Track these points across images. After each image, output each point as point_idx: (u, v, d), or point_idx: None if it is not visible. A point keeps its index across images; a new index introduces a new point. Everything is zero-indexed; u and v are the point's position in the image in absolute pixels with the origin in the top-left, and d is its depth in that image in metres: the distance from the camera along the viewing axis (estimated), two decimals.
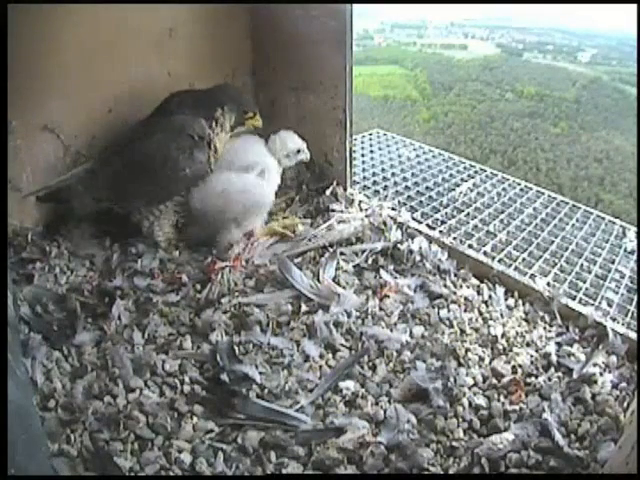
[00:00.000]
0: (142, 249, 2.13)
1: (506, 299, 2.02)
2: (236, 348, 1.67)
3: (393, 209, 2.45)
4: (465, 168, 3.19)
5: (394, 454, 1.41)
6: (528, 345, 1.80)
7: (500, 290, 2.03)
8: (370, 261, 2.14)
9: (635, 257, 2.41)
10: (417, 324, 1.87)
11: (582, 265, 2.30)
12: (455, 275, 2.11)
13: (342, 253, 2.16)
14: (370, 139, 3.65)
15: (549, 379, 1.66)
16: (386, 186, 2.85)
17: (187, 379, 1.59)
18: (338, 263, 2.09)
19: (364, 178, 2.95)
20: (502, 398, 1.60)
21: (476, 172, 3.14)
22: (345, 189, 2.57)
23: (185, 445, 1.40)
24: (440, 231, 2.38)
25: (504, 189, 2.95)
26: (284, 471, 1.36)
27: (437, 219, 2.52)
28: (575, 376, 1.66)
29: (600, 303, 2.03)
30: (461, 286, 2.06)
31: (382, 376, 1.65)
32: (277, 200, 2.40)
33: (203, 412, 1.50)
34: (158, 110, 2.15)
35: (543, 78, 26.46)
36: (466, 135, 20.77)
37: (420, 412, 1.52)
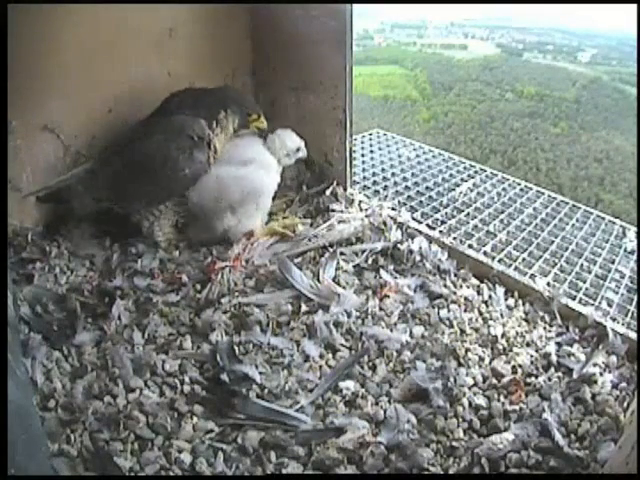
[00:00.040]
0: (142, 249, 2.13)
1: (506, 299, 2.01)
2: (236, 348, 1.67)
3: (393, 209, 2.45)
4: (465, 168, 3.19)
5: (394, 454, 1.41)
6: (528, 345, 1.80)
7: (500, 290, 2.03)
8: (370, 261, 2.14)
9: (635, 257, 2.41)
10: (417, 324, 1.86)
11: (582, 265, 2.30)
12: (455, 275, 2.11)
13: (342, 253, 2.15)
14: (370, 139, 3.65)
15: (549, 379, 1.66)
16: (386, 186, 2.85)
17: (187, 379, 1.59)
18: (338, 263, 2.09)
19: (364, 178, 2.95)
20: (502, 398, 1.60)
21: (476, 172, 3.14)
22: (345, 189, 2.57)
23: (185, 445, 1.40)
24: (440, 231, 2.38)
25: (504, 189, 2.95)
26: (284, 471, 1.36)
27: (437, 219, 2.52)
28: (575, 376, 1.66)
29: (600, 303, 2.03)
30: (461, 286, 2.06)
31: (382, 376, 1.65)
32: (277, 200, 2.41)
33: (203, 412, 1.50)
34: (159, 110, 2.15)
35: (543, 78, 26.47)
36: (466, 135, 20.77)
37: (420, 412, 1.52)
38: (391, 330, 1.80)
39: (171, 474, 1.34)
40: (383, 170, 3.07)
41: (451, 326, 1.86)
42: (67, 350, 1.68)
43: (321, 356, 1.71)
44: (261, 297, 1.92)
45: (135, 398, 1.51)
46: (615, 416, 1.52)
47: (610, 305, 2.04)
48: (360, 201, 2.50)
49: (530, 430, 1.45)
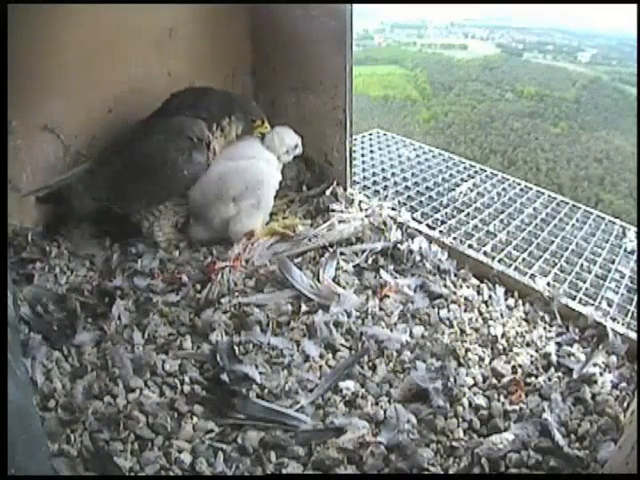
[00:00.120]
0: (142, 249, 2.13)
1: (506, 299, 2.01)
2: (236, 348, 1.67)
3: (393, 209, 2.45)
4: (465, 168, 3.19)
5: (394, 454, 1.41)
6: (528, 345, 1.80)
7: (500, 290, 2.03)
8: (370, 261, 2.14)
9: (635, 257, 2.41)
10: (417, 324, 1.86)
11: (582, 265, 2.30)
12: (455, 275, 2.11)
13: (342, 253, 2.15)
14: (370, 139, 3.65)
15: (549, 379, 1.66)
16: (386, 186, 2.85)
17: (187, 379, 1.59)
18: (338, 263, 2.09)
19: (364, 178, 2.95)
20: (502, 398, 1.60)
21: (476, 172, 3.14)
22: (345, 189, 2.57)
23: (185, 445, 1.40)
24: (440, 231, 2.38)
25: (504, 189, 2.94)
26: (284, 471, 1.36)
27: (437, 219, 2.52)
28: (575, 376, 1.66)
29: (600, 303, 2.03)
30: (461, 286, 2.06)
31: (382, 376, 1.65)
32: (277, 201, 2.41)
33: (203, 412, 1.50)
34: (159, 110, 2.16)
35: (543, 78, 26.48)
36: (466, 135, 20.78)
37: (420, 412, 1.52)
38: (391, 330, 1.80)
39: (171, 474, 1.34)
40: (383, 170, 3.07)
41: (451, 326, 1.86)
42: (67, 350, 1.68)
43: (321, 356, 1.71)
44: (261, 297, 1.92)
45: (135, 398, 1.51)
46: (615, 416, 1.52)
47: (610, 305, 2.04)
48: (360, 201, 2.50)
49: (530, 430, 1.45)
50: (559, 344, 1.81)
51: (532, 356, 1.75)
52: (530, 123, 21.86)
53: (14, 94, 1.66)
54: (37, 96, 2.03)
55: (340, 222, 2.32)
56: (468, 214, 2.61)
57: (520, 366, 1.69)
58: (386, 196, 2.67)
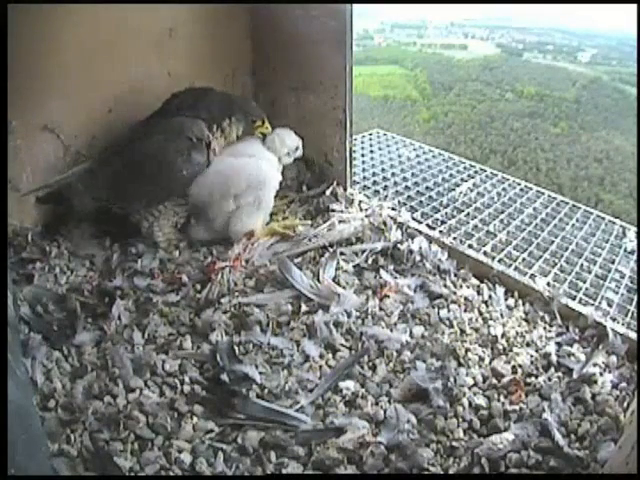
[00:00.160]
0: (142, 249, 2.13)
1: (506, 299, 2.01)
2: (236, 348, 1.67)
3: (393, 209, 2.45)
4: (465, 168, 3.19)
5: (394, 454, 1.41)
6: (528, 345, 1.80)
7: (500, 290, 2.03)
8: (370, 261, 2.14)
9: (635, 257, 2.41)
10: (417, 324, 1.86)
11: (582, 265, 2.30)
12: (455, 275, 2.11)
13: (342, 253, 2.15)
14: (370, 139, 3.65)
15: (549, 379, 1.66)
16: (386, 186, 2.85)
17: (187, 379, 1.59)
18: (338, 263, 2.09)
19: (364, 178, 2.95)
20: (502, 398, 1.60)
21: (476, 172, 3.14)
22: (345, 189, 2.57)
23: (185, 445, 1.40)
24: (440, 231, 2.38)
25: (504, 189, 2.94)
26: (284, 471, 1.36)
27: (437, 219, 2.52)
28: (575, 376, 1.66)
29: (600, 303, 2.03)
30: (461, 286, 2.06)
31: (382, 376, 1.65)
32: (277, 201, 2.41)
33: (203, 412, 1.50)
34: (159, 110, 2.16)
35: (543, 78, 26.48)
36: (466, 135, 20.79)
37: (420, 412, 1.52)
38: (391, 330, 1.80)
39: (171, 474, 1.34)
40: (383, 170, 3.07)
41: (451, 326, 1.86)
42: (67, 350, 1.68)
43: (321, 356, 1.71)
44: (261, 297, 1.92)
45: (135, 398, 1.51)
46: (615, 416, 1.52)
47: (610, 305, 2.04)
48: (360, 201, 2.50)
49: (530, 430, 1.45)
50: (559, 344, 1.81)
51: (532, 356, 1.75)
52: (530, 123, 21.86)
53: (14, 94, 1.66)
54: (37, 96, 2.03)
55: (340, 222, 2.32)
56: (468, 214, 2.61)
57: (520, 366, 1.69)
58: (386, 196, 2.67)
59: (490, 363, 1.72)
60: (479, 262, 2.15)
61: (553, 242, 2.44)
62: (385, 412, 1.51)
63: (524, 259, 2.27)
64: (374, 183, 2.89)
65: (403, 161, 3.24)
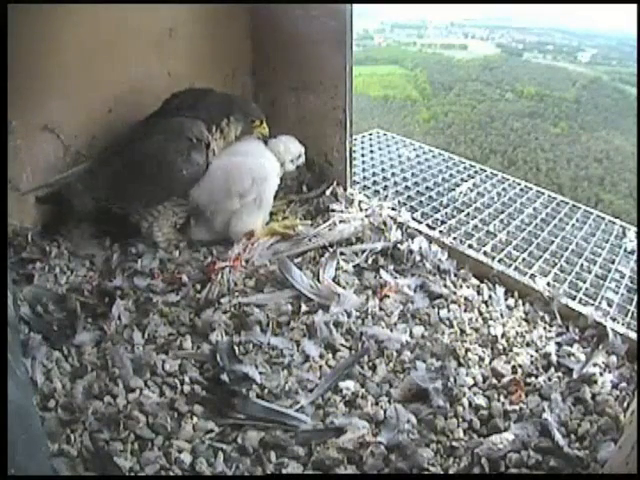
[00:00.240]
0: (142, 249, 2.13)
1: (506, 299, 2.01)
2: (236, 348, 1.67)
3: (393, 209, 2.45)
4: (465, 168, 3.19)
5: (394, 454, 1.41)
6: (528, 345, 1.80)
7: (500, 290, 2.04)
8: (370, 261, 2.14)
9: (635, 257, 2.41)
10: (417, 324, 1.86)
11: (582, 265, 2.30)
12: (455, 275, 2.11)
13: (342, 253, 2.15)
14: (370, 139, 3.65)
15: (549, 379, 1.66)
16: (386, 186, 2.85)
17: (187, 379, 1.59)
18: (338, 263, 2.09)
19: (364, 178, 2.95)
20: (502, 398, 1.60)
21: (476, 172, 3.14)
22: (345, 189, 2.57)
23: (185, 445, 1.40)
24: (440, 231, 2.38)
25: (504, 189, 2.95)
26: (284, 471, 1.36)
27: (437, 219, 2.52)
28: (575, 376, 1.66)
29: (600, 303, 2.03)
30: (461, 286, 2.06)
31: (382, 376, 1.65)
32: (278, 201, 2.41)
33: (203, 412, 1.50)
34: (159, 110, 2.16)
35: (543, 78, 26.49)
36: (466, 135, 20.79)
37: (420, 412, 1.52)
38: (391, 330, 1.80)
39: (171, 474, 1.34)
40: (383, 170, 3.07)
41: (451, 326, 1.86)
42: (67, 350, 1.68)
43: (321, 356, 1.71)
44: (261, 297, 1.92)
45: (135, 398, 1.51)
46: (615, 416, 1.52)
47: (610, 305, 2.04)
48: (360, 201, 2.50)
49: (530, 430, 1.46)
50: (559, 344, 1.81)
51: (532, 356, 1.75)
52: (530, 123, 21.87)
53: (14, 94, 1.66)
54: (37, 96, 2.03)
55: (340, 222, 2.32)
56: (468, 214, 2.61)
57: (520, 366, 1.69)
58: (386, 196, 2.67)
59: (490, 363, 1.72)
60: (479, 262, 2.15)
61: (553, 242, 2.44)
62: (385, 412, 1.51)
63: (524, 259, 2.27)
64: (374, 183, 2.89)
65: (403, 161, 3.24)
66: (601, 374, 1.68)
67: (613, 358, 1.75)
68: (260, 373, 1.60)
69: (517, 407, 1.55)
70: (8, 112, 1.70)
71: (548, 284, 2.07)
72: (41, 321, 1.77)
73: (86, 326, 1.75)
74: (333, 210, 2.41)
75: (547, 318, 1.93)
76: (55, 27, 2.00)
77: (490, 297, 2.01)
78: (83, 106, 2.19)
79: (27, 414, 1.21)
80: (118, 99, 2.26)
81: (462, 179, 3.02)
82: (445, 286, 2.04)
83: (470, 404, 1.56)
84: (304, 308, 1.86)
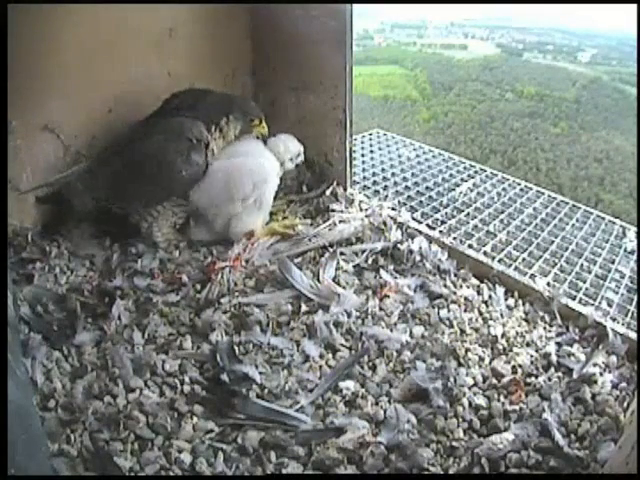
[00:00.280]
0: (142, 249, 2.13)
1: (506, 299, 2.01)
2: (236, 348, 1.67)
3: (393, 209, 2.45)
4: (465, 168, 3.19)
5: (394, 454, 1.41)
6: (528, 345, 1.80)
7: (500, 290, 2.03)
8: (370, 261, 2.14)
9: (635, 257, 2.41)
10: (417, 324, 1.86)
11: (582, 265, 2.30)
12: (455, 275, 2.11)
13: (342, 253, 2.15)
14: (370, 139, 3.65)
15: (549, 379, 1.66)
16: (386, 186, 2.85)
17: (187, 379, 1.59)
18: (338, 263, 2.09)
19: (364, 178, 2.95)
20: (502, 398, 1.60)
21: (476, 172, 3.14)
22: (345, 189, 2.57)
23: (185, 445, 1.40)
24: (440, 231, 2.38)
25: (504, 189, 2.95)
26: (284, 471, 1.36)
27: (437, 219, 2.52)
28: (575, 376, 1.66)
29: (600, 303, 2.03)
30: (461, 286, 2.06)
31: (382, 376, 1.65)
32: (277, 201, 2.41)
33: (203, 412, 1.50)
34: (159, 110, 2.15)
35: (543, 78, 26.50)
36: (466, 135, 20.80)
37: (420, 412, 1.52)
38: (391, 330, 1.80)
39: (171, 474, 1.34)
40: (383, 170, 3.07)
41: (451, 326, 1.86)
42: (67, 350, 1.68)
43: (321, 356, 1.71)
44: (261, 297, 1.92)
45: (135, 398, 1.51)
46: (615, 416, 1.52)
47: (610, 305, 2.04)
48: (360, 201, 2.50)
49: (530, 430, 1.46)
50: (559, 344, 1.81)
51: (532, 356, 1.75)
52: (530, 123, 21.88)
53: (14, 94, 1.66)
54: (37, 96, 2.03)
55: (340, 222, 2.32)
56: (468, 214, 2.61)
57: (520, 366, 1.69)
58: (386, 196, 2.67)
59: (490, 363, 1.72)
60: (479, 262, 2.15)
61: (553, 242, 2.44)
62: (385, 412, 1.51)
63: (524, 259, 2.27)
64: (374, 183, 2.89)
65: (403, 161, 3.24)
66: (601, 374, 1.68)
67: (613, 358, 1.75)
68: (260, 373, 1.60)
69: (517, 407, 1.55)
70: (8, 112, 1.70)
71: (548, 284, 2.07)
72: (41, 321, 1.77)
73: (86, 326, 1.75)
74: (333, 210, 2.41)
75: (547, 318, 1.93)
76: (55, 27, 2.00)
77: (490, 297, 2.01)
78: (83, 106, 2.19)
79: (27, 414, 1.21)
80: (118, 99, 2.26)
81: (462, 179, 3.02)
82: (445, 286, 2.04)
83: (470, 404, 1.56)
84: (304, 308, 1.86)
